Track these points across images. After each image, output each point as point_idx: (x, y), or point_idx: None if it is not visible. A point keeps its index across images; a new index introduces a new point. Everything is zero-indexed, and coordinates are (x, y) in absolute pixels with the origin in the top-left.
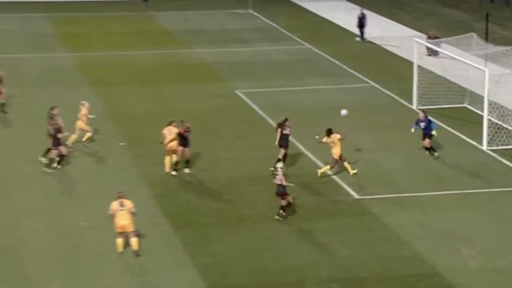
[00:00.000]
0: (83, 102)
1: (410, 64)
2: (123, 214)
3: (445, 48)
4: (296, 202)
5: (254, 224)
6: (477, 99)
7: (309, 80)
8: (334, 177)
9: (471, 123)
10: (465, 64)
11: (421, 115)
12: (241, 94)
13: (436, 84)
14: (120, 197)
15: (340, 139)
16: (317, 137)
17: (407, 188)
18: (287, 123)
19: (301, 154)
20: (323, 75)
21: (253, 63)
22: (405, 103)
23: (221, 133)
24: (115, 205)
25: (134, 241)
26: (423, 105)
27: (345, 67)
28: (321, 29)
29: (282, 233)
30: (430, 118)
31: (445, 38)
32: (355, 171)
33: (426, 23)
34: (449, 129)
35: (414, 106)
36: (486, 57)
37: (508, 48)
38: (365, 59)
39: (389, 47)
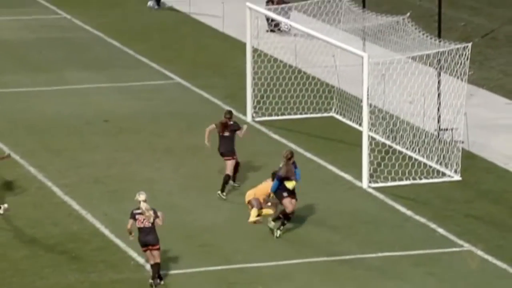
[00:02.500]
0: None
1: (240, 46)
2: None
3: (297, 20)
4: None
5: None
6: (352, 104)
7: (65, 73)
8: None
9: (343, 144)
10: (331, 45)
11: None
12: None
13: (285, 80)
14: None
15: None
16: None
17: (232, 256)
18: (231, 121)
19: None
20: (91, 64)
21: None
22: (234, 111)
23: None
24: None
25: None
26: (263, 114)
27: (129, 51)
28: None
29: None
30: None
31: (297, 3)
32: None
33: None
34: (308, 155)
35: (248, 117)
36: (365, 34)
37: (400, 18)
38: (165, 39)
39: (204, 18)
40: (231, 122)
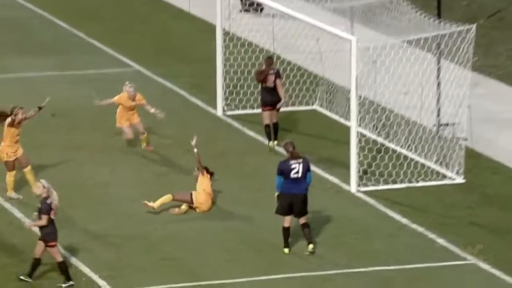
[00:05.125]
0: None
1: (209, 28)
2: None
3: None
4: None
5: None
6: (338, 96)
7: (5, 60)
8: None
9: (328, 141)
10: (315, 28)
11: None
12: None
13: (260, 68)
14: None
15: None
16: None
17: (199, 271)
18: (271, 68)
19: None
20: (35, 49)
21: None
22: (202, 104)
23: None
24: None
25: None
26: (236, 107)
27: (80, 33)
28: None
29: None
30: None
31: None
32: None
33: None
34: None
35: (219, 111)
36: (353, 14)
37: None
38: (121, 20)
39: None
40: (272, 71)
